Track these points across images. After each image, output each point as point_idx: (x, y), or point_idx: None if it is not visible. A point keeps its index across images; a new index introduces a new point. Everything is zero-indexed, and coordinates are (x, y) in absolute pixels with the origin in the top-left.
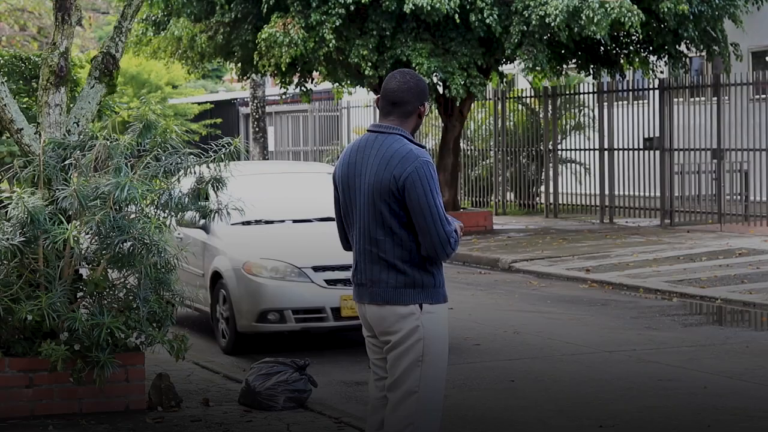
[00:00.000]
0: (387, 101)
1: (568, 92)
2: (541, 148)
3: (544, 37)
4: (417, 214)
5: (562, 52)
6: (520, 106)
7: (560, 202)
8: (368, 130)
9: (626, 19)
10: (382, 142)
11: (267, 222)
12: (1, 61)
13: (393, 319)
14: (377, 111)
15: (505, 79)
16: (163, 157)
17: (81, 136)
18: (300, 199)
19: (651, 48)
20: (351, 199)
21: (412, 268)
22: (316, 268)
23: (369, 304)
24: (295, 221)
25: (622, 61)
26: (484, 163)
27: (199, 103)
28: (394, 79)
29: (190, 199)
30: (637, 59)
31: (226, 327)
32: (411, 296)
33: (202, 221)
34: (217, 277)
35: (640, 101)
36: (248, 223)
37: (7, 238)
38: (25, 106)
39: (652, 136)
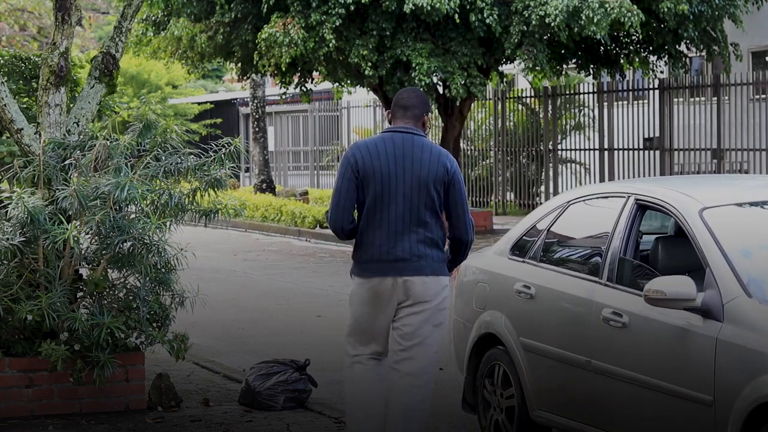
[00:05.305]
0: (399, 106)
1: (568, 92)
2: (541, 148)
3: (544, 37)
4: (457, 203)
5: (562, 52)
6: (520, 106)
7: None
8: (397, 131)
9: (626, 19)
10: (424, 142)
11: None
12: (1, 61)
13: (437, 288)
14: (378, 112)
15: (505, 79)
16: (163, 157)
17: (81, 136)
18: None
19: (651, 48)
20: (388, 187)
21: (444, 247)
22: None
23: (412, 276)
24: None
25: (622, 61)
26: (484, 163)
27: (199, 103)
28: (403, 91)
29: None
30: (637, 59)
31: None
32: (446, 270)
33: (689, 295)
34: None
35: (640, 101)
36: None
37: (7, 238)
38: (25, 106)
39: (652, 136)
